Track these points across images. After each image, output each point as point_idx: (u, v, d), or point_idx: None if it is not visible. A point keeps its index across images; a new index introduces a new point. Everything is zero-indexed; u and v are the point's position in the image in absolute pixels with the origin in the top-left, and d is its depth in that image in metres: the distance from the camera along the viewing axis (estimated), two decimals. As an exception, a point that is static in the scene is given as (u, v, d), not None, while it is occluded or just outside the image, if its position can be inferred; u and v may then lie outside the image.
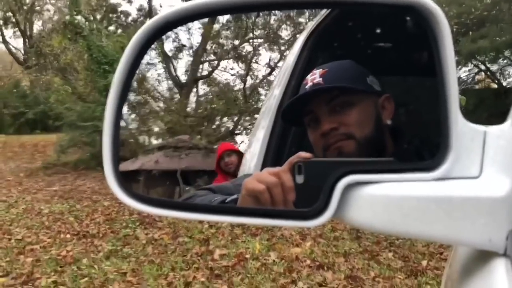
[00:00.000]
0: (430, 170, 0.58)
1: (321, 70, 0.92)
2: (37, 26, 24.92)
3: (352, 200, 0.59)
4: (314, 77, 0.92)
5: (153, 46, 0.78)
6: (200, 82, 12.80)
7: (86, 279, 4.07)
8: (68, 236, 5.47)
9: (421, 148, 0.87)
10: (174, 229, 5.71)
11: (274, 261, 4.46)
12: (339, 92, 0.90)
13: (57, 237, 5.44)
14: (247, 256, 4.62)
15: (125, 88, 0.74)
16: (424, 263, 4.37)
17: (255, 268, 4.28)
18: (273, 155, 1.19)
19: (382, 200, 0.57)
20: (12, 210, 7.03)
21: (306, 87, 0.93)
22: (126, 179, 0.74)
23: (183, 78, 12.85)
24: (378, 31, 0.95)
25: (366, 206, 0.58)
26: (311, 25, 1.23)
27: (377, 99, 0.92)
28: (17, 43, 28.59)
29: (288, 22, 10.70)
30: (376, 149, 0.90)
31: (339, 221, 0.64)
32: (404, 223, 0.56)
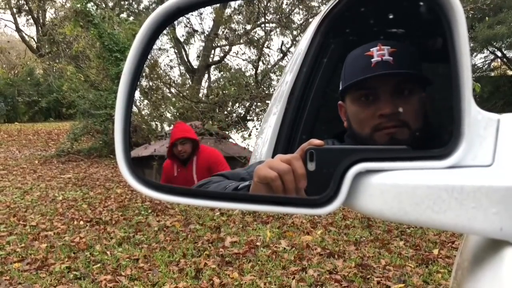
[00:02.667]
0: (442, 158, 0.58)
1: (389, 47, 0.89)
2: (49, 13, 25.00)
3: (363, 188, 0.59)
4: (383, 53, 0.89)
5: (164, 32, 0.78)
6: (212, 68, 12.78)
7: (98, 265, 4.14)
8: (81, 222, 5.54)
9: (433, 136, 0.86)
10: (186, 216, 5.76)
11: (284, 248, 4.48)
12: (408, 78, 0.89)
13: (71, 223, 5.52)
14: (258, 243, 4.64)
15: (136, 74, 0.74)
16: (436, 251, 4.36)
17: (266, 255, 4.30)
18: (285, 142, 1.18)
19: (393, 188, 0.57)
20: (27, 197, 7.14)
21: (373, 60, 0.89)
22: (139, 166, 0.75)
23: (195, 63, 12.84)
24: (391, 16, 0.94)
25: (377, 194, 0.58)
26: (324, 10, 1.19)
27: (424, 89, 0.92)
28: (30, 31, 28.81)
29: (301, 6, 10.58)
30: (422, 141, 0.88)
31: (349, 208, 0.64)
32: (415, 212, 0.55)
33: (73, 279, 3.84)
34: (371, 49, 0.90)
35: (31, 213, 6.04)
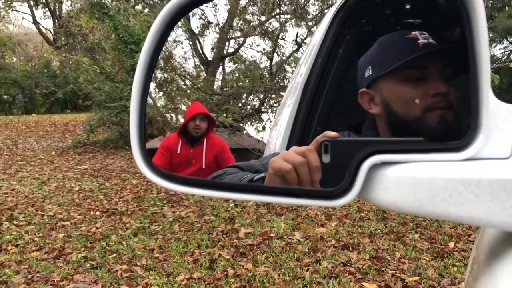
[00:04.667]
0: (459, 150, 0.57)
1: (427, 35, 0.88)
2: (66, 6, 25.20)
3: (378, 180, 0.58)
4: (427, 36, 0.88)
5: (179, 23, 0.79)
6: (226, 60, 12.77)
7: (114, 255, 4.19)
8: (97, 213, 5.62)
9: (450, 128, 0.85)
10: (200, 207, 5.80)
11: (298, 240, 4.49)
12: (455, 60, 0.87)
13: (87, 214, 5.60)
14: (272, 235, 4.66)
15: (151, 66, 0.74)
16: (451, 245, 4.32)
17: (280, 247, 4.32)
18: (299, 134, 1.17)
19: (408, 180, 0.56)
20: (45, 187, 7.26)
21: (419, 41, 0.87)
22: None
23: (209, 55, 12.84)
24: (409, 7, 0.92)
25: (392, 186, 0.57)
26: (340, 0, 1.18)
27: None
28: (47, 24, 29.11)
29: (316, -3, 10.47)
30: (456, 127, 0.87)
31: (364, 201, 0.65)
32: (431, 204, 0.55)
33: (89, 269, 3.90)
34: (412, 33, 0.89)
35: (49, 203, 6.14)
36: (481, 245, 0.73)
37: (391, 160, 0.58)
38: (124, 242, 4.52)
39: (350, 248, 4.28)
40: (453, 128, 0.84)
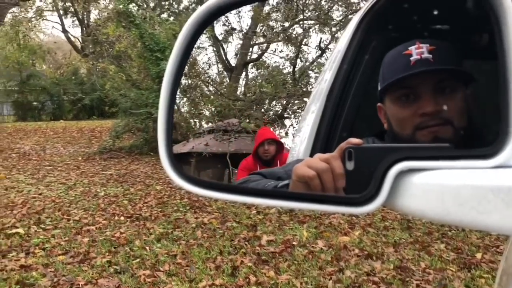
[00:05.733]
0: (488, 158, 0.56)
1: (427, 45, 0.88)
2: (93, 14, 25.80)
3: (404, 187, 0.57)
4: (422, 51, 0.88)
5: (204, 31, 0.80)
6: (249, 66, 12.84)
7: (138, 260, 4.23)
8: (122, 218, 5.69)
9: (479, 135, 0.86)
10: (223, 214, 5.81)
11: (321, 249, 4.45)
12: (450, 75, 0.88)
13: (112, 219, 5.68)
14: (294, 243, 4.63)
15: (179, 73, 0.76)
16: (479, 255, 4.22)
17: (302, 255, 4.29)
18: (323, 140, 1.17)
19: (436, 188, 0.55)
20: (71, 192, 7.39)
21: (411, 58, 0.88)
22: (178, 161, 0.77)
23: (232, 61, 12.93)
24: (436, 12, 0.91)
25: (419, 193, 0.56)
26: (365, 6, 1.18)
27: (467, 87, 0.90)
28: (76, 32, 29.83)
29: (340, 3, 10.43)
30: (466, 140, 0.87)
31: (389, 208, 0.63)
32: (458, 212, 0.54)
33: (113, 273, 3.95)
34: (409, 48, 0.89)
35: (75, 208, 6.25)
36: (510, 257, 0.71)
37: (419, 166, 0.57)
38: (147, 247, 4.56)
39: (374, 258, 4.22)
40: (455, 142, 0.81)
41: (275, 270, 3.96)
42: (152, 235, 4.98)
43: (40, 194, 7.19)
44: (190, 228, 5.24)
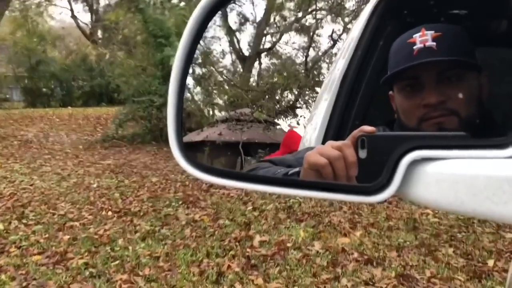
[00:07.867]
0: (504, 147, 0.53)
1: (432, 32, 0.84)
2: (103, 0, 25.55)
3: (417, 176, 0.56)
4: (426, 38, 0.84)
5: (217, 18, 0.80)
6: (262, 55, 12.76)
7: (117, 262, 3.92)
8: (109, 213, 5.40)
9: (493, 124, 0.83)
10: (217, 210, 5.47)
11: (317, 252, 4.08)
12: (455, 64, 0.84)
13: (99, 214, 5.39)
14: (289, 244, 4.27)
15: (189, 59, 0.76)
16: (491, 262, 3.80)
17: (296, 259, 3.92)
18: (336, 129, 1.17)
19: (450, 177, 0.54)
20: (63, 183, 7.14)
21: (414, 47, 0.84)
22: (191, 150, 0.79)
23: (245, 51, 12.77)
24: None
25: (432, 183, 0.55)
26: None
27: (478, 75, 0.86)
28: (85, 18, 29.63)
29: (353, -8, 10.13)
30: (474, 130, 0.78)
31: (402, 198, 0.61)
32: (472, 202, 0.52)
33: (88, 277, 3.64)
34: (413, 36, 0.86)
35: (63, 201, 5.98)
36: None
37: (432, 156, 0.56)
38: (130, 247, 4.25)
39: (374, 263, 3.84)
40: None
41: (264, 276, 3.61)
42: (138, 233, 4.67)
43: (31, 185, 6.94)
44: (179, 225, 4.91)
